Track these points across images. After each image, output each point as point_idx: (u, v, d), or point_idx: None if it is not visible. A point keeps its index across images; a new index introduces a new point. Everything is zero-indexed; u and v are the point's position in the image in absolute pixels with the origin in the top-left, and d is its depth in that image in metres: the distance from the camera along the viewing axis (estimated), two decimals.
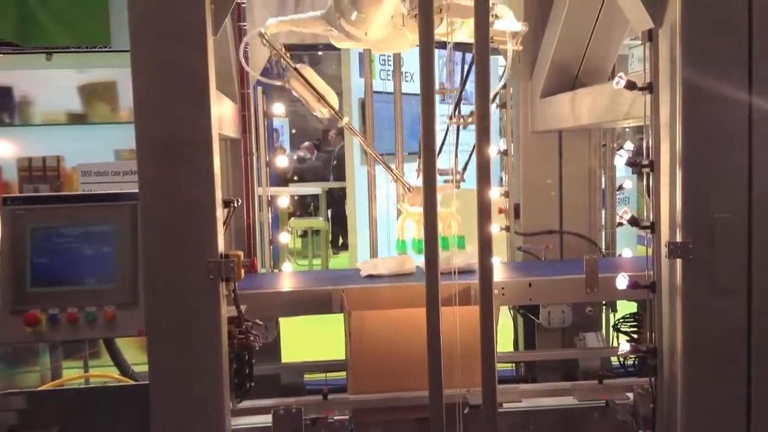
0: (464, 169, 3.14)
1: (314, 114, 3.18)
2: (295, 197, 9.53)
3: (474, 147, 2.11)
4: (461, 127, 3.04)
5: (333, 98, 3.14)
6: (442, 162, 3.12)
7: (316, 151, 12.07)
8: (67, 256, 2.24)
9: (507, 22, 2.79)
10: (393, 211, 3.81)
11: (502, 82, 3.14)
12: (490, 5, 2.10)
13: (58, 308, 2.20)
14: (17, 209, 2.26)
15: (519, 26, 2.82)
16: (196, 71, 2.06)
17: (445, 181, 3.21)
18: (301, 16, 3.15)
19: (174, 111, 2.07)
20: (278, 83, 3.17)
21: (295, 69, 3.04)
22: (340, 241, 10.36)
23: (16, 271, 2.21)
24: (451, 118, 3.01)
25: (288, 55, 3.04)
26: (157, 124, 2.07)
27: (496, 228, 3.55)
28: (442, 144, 3.05)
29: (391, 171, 3.30)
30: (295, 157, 11.50)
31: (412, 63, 3.66)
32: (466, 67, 2.96)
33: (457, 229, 3.12)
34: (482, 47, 2.02)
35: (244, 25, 3.36)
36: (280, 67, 3.15)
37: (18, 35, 4.74)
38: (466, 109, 3.12)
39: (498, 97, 3.88)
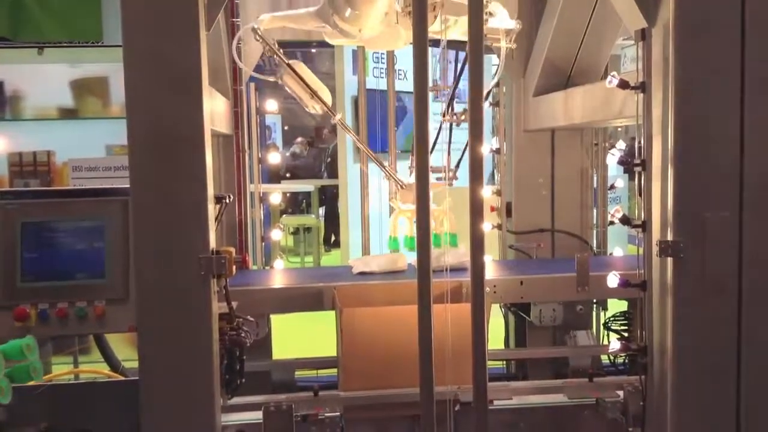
0: (457, 166, 3.13)
1: (307, 110, 3.15)
2: (287, 194, 9.51)
3: (467, 144, 2.11)
4: (454, 125, 3.03)
5: (326, 95, 3.12)
6: (435, 160, 3.10)
7: (308, 148, 12.03)
8: (58, 251, 2.23)
9: (500, 19, 2.79)
10: (386, 208, 3.81)
11: (495, 80, 3.13)
12: (484, 3, 2.10)
13: (48, 303, 2.18)
14: (7, 204, 2.24)
15: (513, 24, 2.82)
16: (188, 67, 2.05)
17: (438, 179, 3.19)
18: (295, 12, 3.13)
19: (166, 106, 2.06)
20: (271, 79, 3.15)
21: (288, 65, 3.02)
22: (333, 238, 10.35)
23: (6, 265, 2.20)
24: (444, 116, 3.00)
25: (281, 51, 3.02)
26: (149, 120, 2.06)
27: (488, 226, 3.56)
28: (435, 141, 3.04)
29: (384, 168, 3.29)
30: (288, 153, 11.47)
31: (405, 61, 3.65)
32: (459, 66, 2.94)
33: (449, 227, 3.11)
34: (476, 45, 2.02)
35: (237, 21, 3.35)
36: (273, 63, 3.14)
37: (10, 30, 4.71)
38: (459, 107, 3.11)
39: (491, 95, 3.89)
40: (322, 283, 2.97)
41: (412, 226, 3.16)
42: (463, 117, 2.93)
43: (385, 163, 3.35)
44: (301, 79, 3.03)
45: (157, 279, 2.07)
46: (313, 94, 3.04)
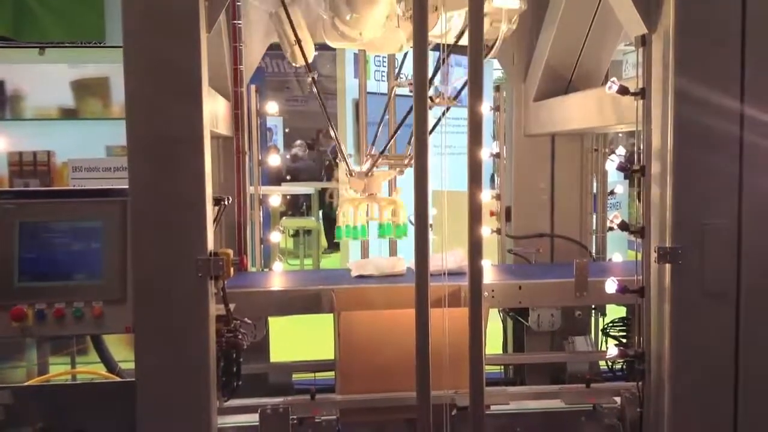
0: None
1: (287, 57, 3.06)
2: (288, 197, 9.50)
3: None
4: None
5: (310, 47, 3.03)
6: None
7: (308, 150, 12.03)
8: (56, 252, 2.22)
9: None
10: None
11: (492, 53, 3.01)
12: None
13: (45, 303, 2.18)
14: (6, 203, 2.24)
15: (517, 3, 2.76)
16: (188, 68, 2.05)
17: (390, 167, 3.17)
18: None
19: (166, 108, 2.06)
20: (264, 7, 3.05)
21: (284, 5, 2.91)
22: (336, 240, 10.30)
23: (3, 265, 2.20)
24: (432, 100, 2.89)
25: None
26: (148, 121, 2.06)
27: (486, 230, 3.55)
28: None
29: (341, 152, 3.24)
30: (288, 156, 11.47)
31: (406, 64, 3.64)
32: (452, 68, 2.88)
33: (400, 217, 3.08)
34: (476, 46, 2.02)
35: (239, 23, 3.35)
36: (274, 67, 3.10)
37: (13, 30, 4.73)
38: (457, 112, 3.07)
39: (492, 99, 3.88)
40: (320, 285, 2.96)
41: (357, 214, 3.12)
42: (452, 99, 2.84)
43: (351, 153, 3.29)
44: (291, 24, 2.90)
45: (154, 280, 2.07)
46: (297, 42, 2.92)
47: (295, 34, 2.92)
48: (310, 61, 3.03)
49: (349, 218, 3.13)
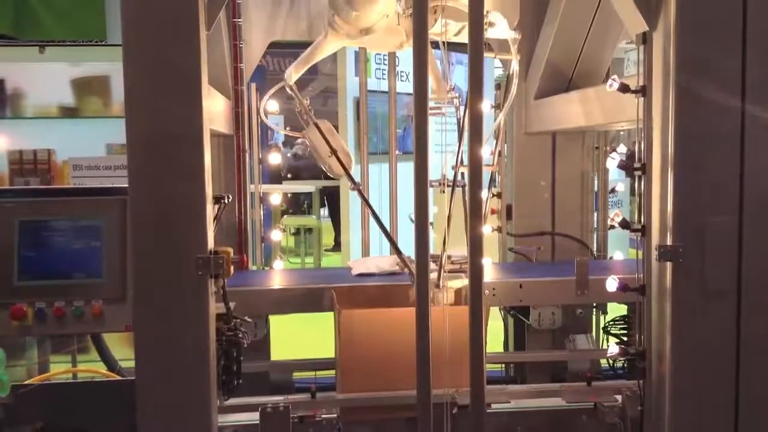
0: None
1: (323, 168, 3.01)
2: (289, 195, 9.48)
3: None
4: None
5: (347, 158, 2.97)
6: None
7: (309, 149, 11.95)
8: (56, 250, 2.22)
9: (500, 30, 2.76)
10: (385, 208, 3.81)
11: (512, 94, 3.01)
12: (484, 12, 2.08)
13: (45, 302, 2.17)
14: (6, 202, 2.24)
15: (512, 34, 2.79)
16: (188, 66, 2.05)
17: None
18: (313, 49, 3.00)
19: (165, 106, 2.05)
20: (298, 135, 3.07)
21: (315, 124, 2.91)
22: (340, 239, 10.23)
23: (3, 264, 2.19)
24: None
25: (309, 103, 2.92)
26: (147, 119, 2.05)
27: (487, 229, 3.55)
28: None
29: None
30: (289, 154, 11.44)
31: (407, 62, 3.65)
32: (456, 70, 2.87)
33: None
34: (476, 49, 2.01)
35: (239, 21, 3.35)
36: (275, 65, 3.11)
37: (14, 28, 4.72)
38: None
39: (492, 97, 3.88)
40: (321, 284, 2.96)
41: None
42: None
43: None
44: (325, 137, 2.91)
45: (154, 279, 2.06)
46: (333, 152, 2.91)
47: (330, 146, 2.89)
48: (351, 169, 2.97)
49: None
